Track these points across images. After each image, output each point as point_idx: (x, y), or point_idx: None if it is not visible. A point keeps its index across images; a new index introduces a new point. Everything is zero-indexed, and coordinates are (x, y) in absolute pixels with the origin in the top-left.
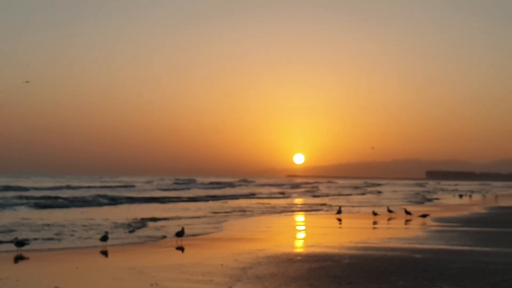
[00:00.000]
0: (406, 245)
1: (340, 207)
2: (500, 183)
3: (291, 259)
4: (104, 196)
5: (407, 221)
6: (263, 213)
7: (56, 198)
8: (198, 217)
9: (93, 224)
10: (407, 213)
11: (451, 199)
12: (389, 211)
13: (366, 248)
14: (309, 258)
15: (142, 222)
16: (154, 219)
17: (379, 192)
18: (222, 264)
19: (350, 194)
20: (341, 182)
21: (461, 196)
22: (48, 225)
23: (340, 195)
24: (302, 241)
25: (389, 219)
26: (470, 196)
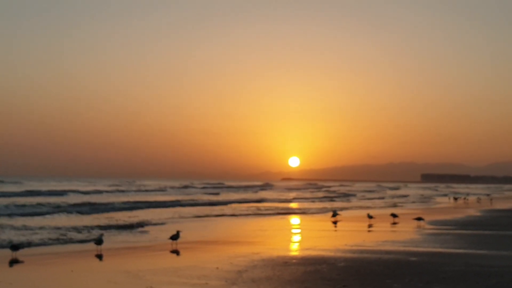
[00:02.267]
0: (401, 248)
1: (335, 210)
2: (508, 186)
3: (286, 262)
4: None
5: (393, 223)
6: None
7: (108, 204)
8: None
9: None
10: (394, 216)
11: (446, 202)
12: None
13: (361, 251)
14: (304, 261)
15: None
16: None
17: (406, 196)
18: (217, 268)
19: (392, 197)
20: (358, 185)
21: (456, 199)
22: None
23: (379, 198)
24: (297, 244)
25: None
26: (465, 198)
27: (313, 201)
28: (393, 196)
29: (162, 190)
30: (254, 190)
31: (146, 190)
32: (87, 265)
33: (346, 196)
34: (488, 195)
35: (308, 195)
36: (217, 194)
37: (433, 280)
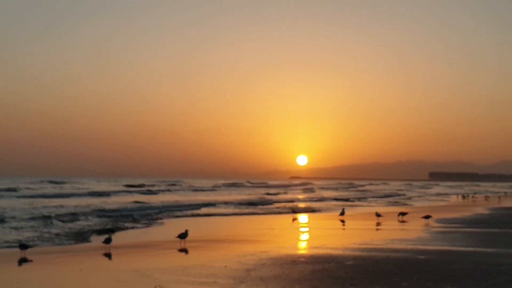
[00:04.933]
0: (410, 246)
1: (343, 208)
2: None
3: (294, 261)
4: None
5: (402, 221)
6: None
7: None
8: None
9: None
10: (402, 214)
11: (454, 200)
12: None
13: (369, 250)
14: (312, 260)
15: None
16: None
17: (443, 194)
18: (225, 266)
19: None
20: (393, 184)
21: (464, 197)
22: None
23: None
24: (305, 242)
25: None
26: (473, 197)
27: (371, 202)
28: (436, 194)
29: (212, 190)
30: (301, 189)
31: (213, 189)
32: (95, 264)
33: (400, 196)
34: (505, 193)
35: (359, 195)
36: (276, 194)
37: (442, 279)
